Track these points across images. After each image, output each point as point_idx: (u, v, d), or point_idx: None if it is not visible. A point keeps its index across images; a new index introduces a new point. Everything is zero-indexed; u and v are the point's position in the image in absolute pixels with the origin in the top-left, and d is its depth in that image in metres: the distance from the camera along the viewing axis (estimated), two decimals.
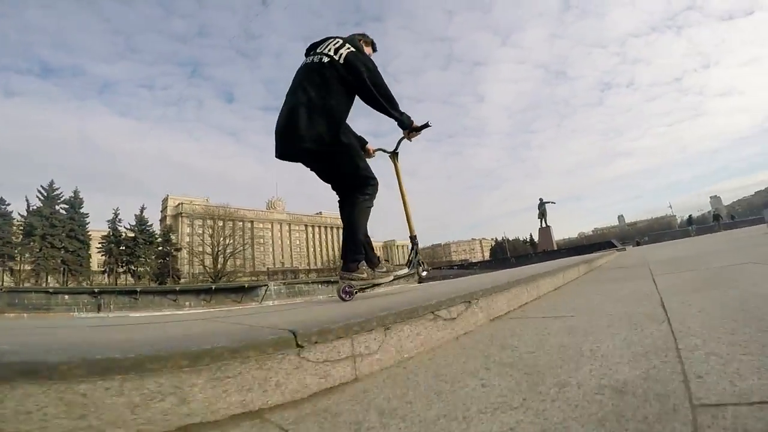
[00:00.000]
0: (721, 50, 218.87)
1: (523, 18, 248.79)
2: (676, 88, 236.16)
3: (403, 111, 2.43)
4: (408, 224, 2.81)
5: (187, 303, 22.73)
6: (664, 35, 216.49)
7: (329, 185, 2.57)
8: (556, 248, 35.67)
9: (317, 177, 2.53)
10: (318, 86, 2.23)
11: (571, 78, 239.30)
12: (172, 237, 60.36)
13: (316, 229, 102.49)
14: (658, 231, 54.85)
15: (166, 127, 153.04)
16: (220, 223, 60.64)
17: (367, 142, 2.80)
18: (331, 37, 2.39)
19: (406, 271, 2.67)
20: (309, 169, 2.49)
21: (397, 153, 2.86)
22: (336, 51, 2.28)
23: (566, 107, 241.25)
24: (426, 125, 2.58)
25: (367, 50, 2.59)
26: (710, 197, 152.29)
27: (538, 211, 38.57)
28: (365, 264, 2.42)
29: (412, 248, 2.74)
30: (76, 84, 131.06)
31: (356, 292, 2.33)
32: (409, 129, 2.54)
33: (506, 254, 64.81)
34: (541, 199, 38.57)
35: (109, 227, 51.13)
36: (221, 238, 57.21)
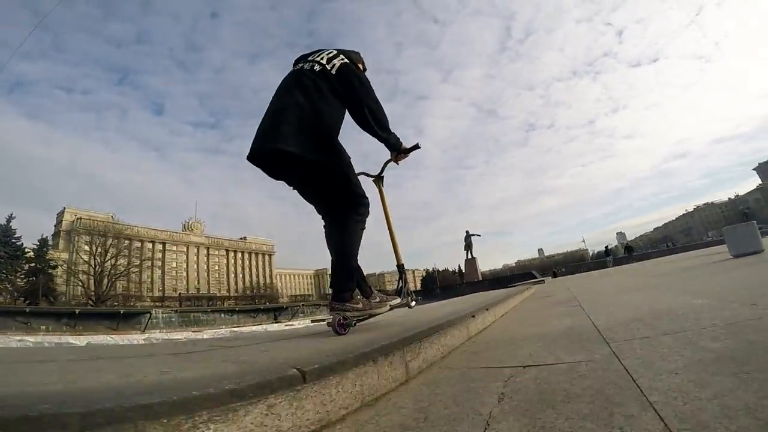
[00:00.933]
0: (630, 95, 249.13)
1: (465, 56, 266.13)
2: (589, 131, 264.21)
3: (392, 131, 2.29)
4: (395, 253, 2.70)
5: (42, 327, 18.30)
6: (583, 80, 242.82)
7: (312, 205, 2.34)
8: (480, 278, 35.37)
9: (299, 194, 2.30)
10: (309, 90, 2.06)
11: (502, 117, 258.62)
12: (54, 253, 51.95)
13: (239, 255, 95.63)
14: (573, 263, 58.13)
15: (80, 135, 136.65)
16: (110, 241, 54.06)
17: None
18: (323, 48, 2.30)
19: (398, 300, 2.48)
20: (287, 183, 2.23)
21: (383, 177, 2.70)
22: (329, 61, 2.17)
23: (495, 145, 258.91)
24: (416, 146, 2.46)
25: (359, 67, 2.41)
26: (616, 233, 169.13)
27: (464, 243, 38.42)
28: (359, 294, 2.23)
29: (401, 277, 2.63)
30: None
31: (354, 324, 2.16)
32: (398, 151, 2.39)
33: (436, 284, 64.85)
34: (467, 232, 38.42)
35: None
36: (107, 258, 50.66)
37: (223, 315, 24.75)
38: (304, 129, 1.96)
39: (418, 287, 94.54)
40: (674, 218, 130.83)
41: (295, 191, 2.28)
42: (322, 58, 2.17)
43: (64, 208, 68.73)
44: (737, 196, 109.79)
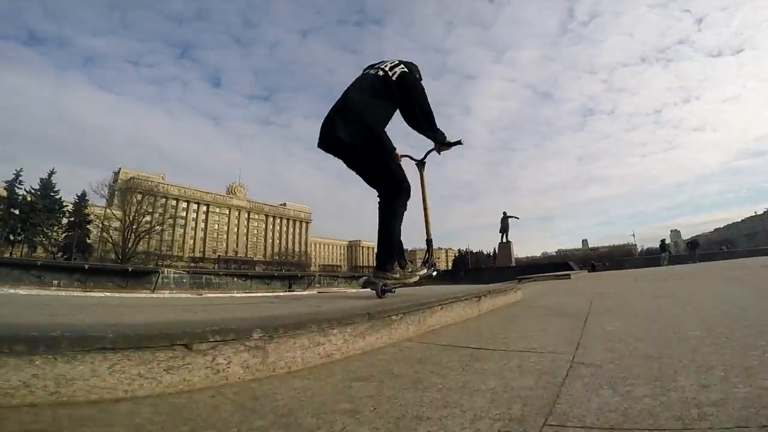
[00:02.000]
0: (704, 86, 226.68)
1: (521, 37, 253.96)
2: (655, 120, 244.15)
3: (438, 129, 2.65)
4: (426, 229, 2.95)
5: (54, 282, 18.90)
6: (652, 67, 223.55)
7: (370, 186, 2.63)
8: (514, 264, 33.84)
9: (361, 179, 2.61)
10: (368, 90, 2.43)
11: (557, 100, 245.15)
12: (91, 208, 54.01)
13: (277, 220, 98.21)
14: (619, 257, 54.37)
15: (146, 105, 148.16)
16: (138, 197, 55.43)
17: (395, 148, 2.66)
18: (388, 60, 2.62)
19: (425, 271, 2.78)
20: (348, 165, 2.57)
21: (424, 162, 2.97)
22: (391, 69, 2.50)
23: (548, 128, 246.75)
24: (458, 142, 2.80)
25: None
26: (671, 230, 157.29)
27: (500, 225, 36.69)
28: (397, 265, 2.55)
29: (428, 250, 2.87)
30: (60, 54, 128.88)
31: (393, 290, 2.55)
32: (441, 143, 2.75)
33: (465, 266, 64.02)
34: (504, 213, 36.61)
35: (5, 188, 45.07)
36: (136, 215, 51.81)
37: (236, 279, 24.55)
38: (356, 121, 2.32)
39: (450, 267, 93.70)
40: (740, 220, 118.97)
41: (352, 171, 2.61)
42: (386, 66, 2.51)
43: (120, 167, 72.79)
44: None
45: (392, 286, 2.48)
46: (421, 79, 2.68)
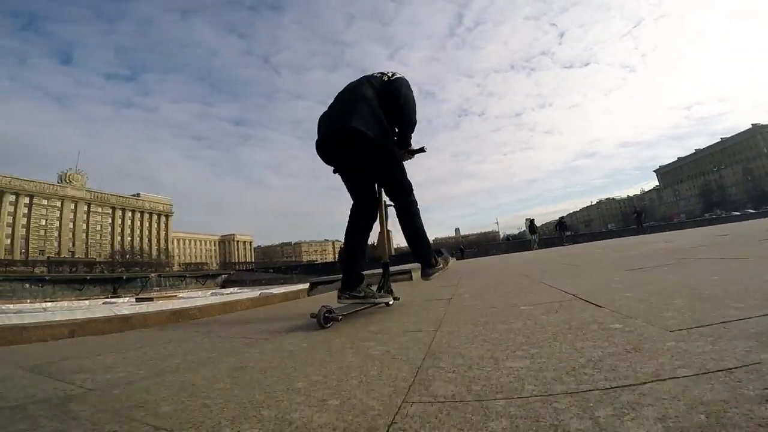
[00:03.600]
0: (556, 93, 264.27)
1: (414, 37, 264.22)
2: (515, 122, 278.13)
3: (410, 135, 2.46)
4: (382, 249, 2.71)
5: None
6: (518, 74, 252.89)
7: (354, 194, 2.32)
8: (393, 254, 32.76)
9: (346, 182, 2.33)
10: (376, 88, 2.27)
11: (439, 100, 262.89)
12: None
13: (128, 214, 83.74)
14: (485, 243, 58.47)
15: None
16: None
17: None
18: (385, 71, 2.49)
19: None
20: (341, 168, 2.31)
21: None
22: (391, 74, 2.38)
23: (428, 125, 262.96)
24: (421, 149, 2.61)
25: None
26: (525, 218, 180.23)
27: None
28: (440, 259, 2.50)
29: (384, 273, 2.57)
30: None
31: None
32: (406, 150, 2.50)
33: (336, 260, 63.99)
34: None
35: None
36: None
37: (27, 285, 18.20)
38: (373, 117, 2.13)
39: (335, 259, 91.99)
40: (578, 209, 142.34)
41: (335, 177, 2.37)
42: (386, 71, 2.42)
43: None
44: (635, 195, 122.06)
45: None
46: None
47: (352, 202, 2.27)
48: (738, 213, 42.27)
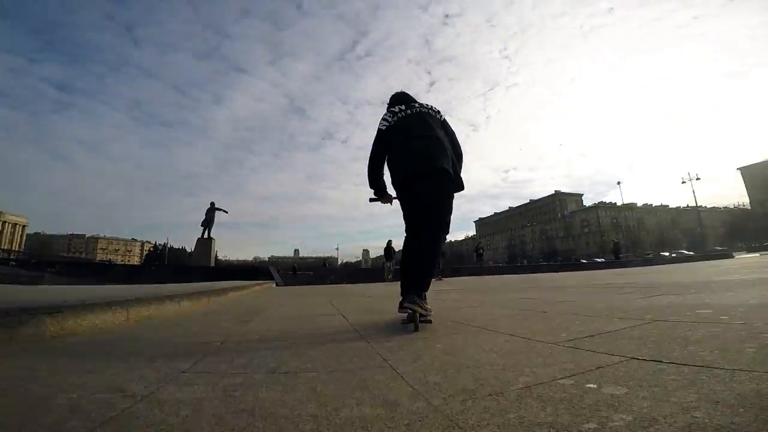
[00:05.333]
0: None
1: (304, 50, 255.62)
2: None
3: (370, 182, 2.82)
4: None
5: None
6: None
7: (415, 220, 2.62)
8: (213, 265, 27.47)
9: (411, 208, 2.62)
10: (445, 133, 2.72)
11: (308, 118, 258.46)
12: None
13: None
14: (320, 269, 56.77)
15: None
16: None
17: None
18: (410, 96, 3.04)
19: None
20: (426, 198, 2.52)
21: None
22: (439, 114, 2.86)
23: (290, 141, 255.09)
24: (376, 199, 2.92)
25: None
26: (363, 249, 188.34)
27: (204, 217, 29.74)
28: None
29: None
30: None
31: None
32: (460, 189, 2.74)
33: (165, 262, 55.31)
34: (212, 204, 30.00)
35: None
36: None
37: None
38: (450, 159, 2.58)
39: (142, 261, 77.30)
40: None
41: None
42: (432, 107, 2.85)
43: None
44: (459, 240, 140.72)
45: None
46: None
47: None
48: (545, 263, 49.06)
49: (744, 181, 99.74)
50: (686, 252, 52.85)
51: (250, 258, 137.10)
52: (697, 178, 40.59)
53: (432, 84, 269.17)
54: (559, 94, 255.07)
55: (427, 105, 2.82)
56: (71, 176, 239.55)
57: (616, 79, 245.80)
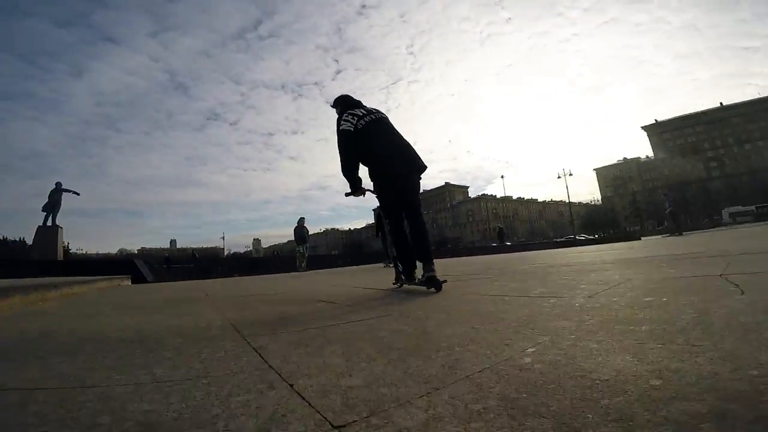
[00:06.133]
0: (312, 124, 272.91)
1: (195, 24, 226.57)
2: (265, 141, 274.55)
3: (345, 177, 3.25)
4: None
5: None
6: (285, 96, 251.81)
7: (397, 204, 3.33)
8: (61, 258, 21.91)
9: (399, 195, 3.30)
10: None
11: (190, 96, 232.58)
12: None
13: None
14: (206, 260, 50.88)
15: None
16: None
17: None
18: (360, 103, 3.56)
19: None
20: (400, 186, 3.26)
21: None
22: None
23: (168, 119, 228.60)
24: (351, 194, 3.31)
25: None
26: (254, 239, 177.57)
27: (47, 201, 23.55)
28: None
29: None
30: None
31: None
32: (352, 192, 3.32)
33: None
34: (58, 184, 23.85)
35: None
36: None
37: None
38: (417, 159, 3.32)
39: None
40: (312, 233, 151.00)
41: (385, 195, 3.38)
42: (381, 112, 3.44)
43: None
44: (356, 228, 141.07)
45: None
46: (341, 120, 3.30)
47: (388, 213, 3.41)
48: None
49: (597, 180, 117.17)
50: (587, 236, 51.96)
51: (114, 251, 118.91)
52: (570, 174, 46.42)
53: (338, 72, 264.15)
54: (452, 93, 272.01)
55: (377, 110, 3.39)
56: None
57: (501, 85, 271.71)
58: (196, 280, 11.10)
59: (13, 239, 49.87)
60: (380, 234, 9.47)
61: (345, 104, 3.47)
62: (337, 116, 3.37)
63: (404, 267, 3.32)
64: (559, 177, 47.22)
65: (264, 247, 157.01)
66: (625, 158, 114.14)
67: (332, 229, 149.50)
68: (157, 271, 17.76)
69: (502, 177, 63.19)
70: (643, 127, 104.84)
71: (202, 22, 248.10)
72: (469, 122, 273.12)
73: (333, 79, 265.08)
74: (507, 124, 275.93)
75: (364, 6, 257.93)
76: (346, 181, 3.20)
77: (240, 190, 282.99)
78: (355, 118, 3.19)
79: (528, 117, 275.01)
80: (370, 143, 3.14)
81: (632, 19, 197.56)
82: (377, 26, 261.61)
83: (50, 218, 22.90)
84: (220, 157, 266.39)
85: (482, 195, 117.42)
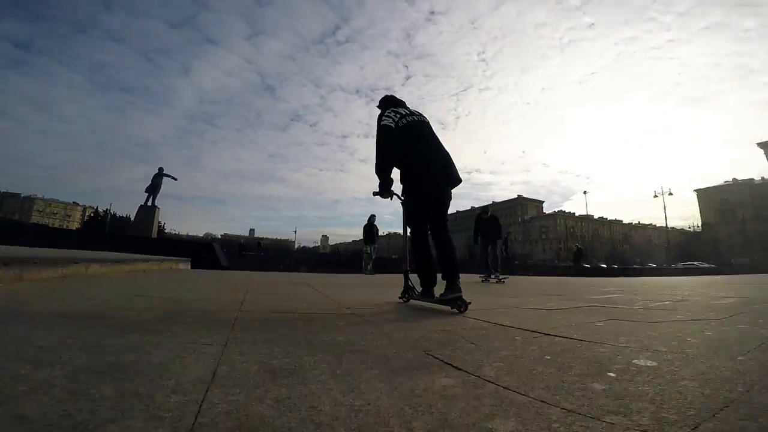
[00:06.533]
0: None
1: (282, 28, 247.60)
2: (340, 143, 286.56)
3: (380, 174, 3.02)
4: (407, 258, 3.30)
5: None
6: (360, 99, 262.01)
7: (430, 216, 3.12)
8: (155, 236, 24.37)
9: (435, 207, 3.08)
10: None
11: (277, 97, 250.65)
12: None
13: None
14: (278, 251, 53.71)
15: None
16: None
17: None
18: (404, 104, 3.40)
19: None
20: (439, 200, 3.08)
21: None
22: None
23: (257, 118, 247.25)
24: (379, 194, 3.08)
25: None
26: (322, 235, 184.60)
27: (150, 183, 26.33)
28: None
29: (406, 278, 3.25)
30: None
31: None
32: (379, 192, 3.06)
33: (105, 229, 50.57)
34: (160, 169, 26.57)
35: None
36: None
37: None
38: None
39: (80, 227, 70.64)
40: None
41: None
42: (424, 116, 3.28)
43: None
44: None
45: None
46: (382, 116, 3.12)
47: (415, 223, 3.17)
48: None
49: (699, 202, 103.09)
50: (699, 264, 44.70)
51: (201, 233, 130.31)
52: (670, 194, 41.35)
53: (408, 78, 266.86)
54: (528, 102, 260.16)
55: (420, 113, 3.26)
56: (12, 134, 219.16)
57: (583, 94, 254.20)
58: (255, 272, 11.09)
59: (120, 215, 56.88)
60: (477, 240, 8.96)
61: (389, 103, 3.36)
62: (379, 113, 3.20)
63: (425, 281, 3.09)
64: (655, 196, 42.49)
65: (330, 244, 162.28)
66: (735, 179, 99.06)
67: (395, 233, 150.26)
68: (233, 257, 18.90)
69: (585, 193, 58.82)
70: (759, 144, 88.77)
71: (287, 26, 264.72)
72: (546, 133, 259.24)
73: (402, 85, 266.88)
74: (589, 135, 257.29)
75: (432, 12, 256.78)
76: (378, 179, 3.01)
77: (314, 189, 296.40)
78: (398, 116, 3.05)
79: (613, 129, 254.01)
80: (411, 143, 2.98)
81: (739, 24, 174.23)
82: (446, 32, 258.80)
83: (150, 199, 25.63)
84: (299, 156, 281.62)
85: (559, 211, 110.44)
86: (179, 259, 9.26)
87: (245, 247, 26.18)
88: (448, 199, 3.10)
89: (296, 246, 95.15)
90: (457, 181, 3.09)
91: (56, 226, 79.20)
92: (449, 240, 3.02)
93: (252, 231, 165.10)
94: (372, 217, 12.71)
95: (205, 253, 13.81)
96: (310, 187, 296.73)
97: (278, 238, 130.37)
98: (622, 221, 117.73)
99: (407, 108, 3.25)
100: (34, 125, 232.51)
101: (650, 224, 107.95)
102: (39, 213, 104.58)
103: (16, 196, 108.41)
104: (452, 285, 2.75)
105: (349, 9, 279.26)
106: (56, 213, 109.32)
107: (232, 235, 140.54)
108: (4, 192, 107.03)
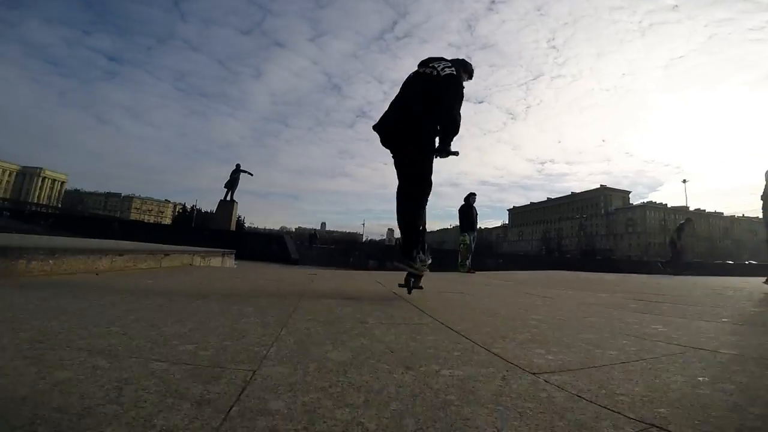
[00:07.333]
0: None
1: (343, 28, 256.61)
2: None
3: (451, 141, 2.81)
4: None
5: None
6: None
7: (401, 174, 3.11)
8: (233, 229, 25.78)
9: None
10: (421, 96, 2.81)
11: (343, 95, 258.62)
12: None
13: None
14: (345, 242, 54.77)
15: None
16: None
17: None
18: (441, 58, 2.99)
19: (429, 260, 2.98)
20: (394, 152, 3.11)
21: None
22: (442, 69, 2.81)
23: (326, 116, 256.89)
24: (455, 153, 2.87)
25: (465, 77, 3.20)
26: (387, 228, 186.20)
27: (228, 179, 27.80)
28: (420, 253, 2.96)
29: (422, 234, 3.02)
30: None
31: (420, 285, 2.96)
32: (445, 152, 2.82)
33: (192, 224, 55.59)
34: (237, 165, 27.94)
35: None
36: None
37: None
38: (414, 124, 2.86)
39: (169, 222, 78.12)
40: (435, 230, 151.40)
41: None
42: (439, 66, 2.83)
43: None
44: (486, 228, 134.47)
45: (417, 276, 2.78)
46: (471, 77, 3.32)
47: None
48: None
49: None
50: None
51: (276, 227, 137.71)
52: None
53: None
54: (606, 89, 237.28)
55: (438, 65, 2.87)
56: (115, 140, 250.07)
57: (669, 79, 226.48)
58: (319, 270, 10.27)
59: (205, 210, 62.23)
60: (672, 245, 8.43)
61: (459, 64, 3.19)
62: (456, 75, 2.91)
63: (408, 243, 2.89)
64: None
65: (396, 237, 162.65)
66: None
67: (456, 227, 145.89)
68: (303, 249, 19.10)
69: (685, 181, 52.02)
70: None
71: (348, 25, 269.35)
72: (628, 120, 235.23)
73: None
74: (678, 123, 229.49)
75: (493, 2, 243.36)
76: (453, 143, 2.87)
77: (379, 183, 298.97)
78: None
79: (706, 115, 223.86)
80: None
81: None
82: (510, 21, 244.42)
83: (229, 194, 27.02)
84: (365, 151, 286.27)
85: (648, 203, 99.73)
86: (227, 251, 7.60)
87: (315, 236, 26.59)
88: (404, 157, 2.97)
89: (364, 239, 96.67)
90: (393, 132, 2.93)
91: (151, 221, 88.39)
92: (408, 203, 2.97)
93: (323, 224, 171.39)
94: (471, 197, 9.45)
95: (276, 245, 13.96)
96: (375, 182, 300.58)
97: (348, 230, 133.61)
98: (722, 213, 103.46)
99: (440, 61, 2.96)
100: (131, 131, 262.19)
101: (756, 217, 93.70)
102: (137, 210, 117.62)
103: (117, 195, 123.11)
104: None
105: (406, 4, 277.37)
106: (151, 210, 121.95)
107: (305, 228, 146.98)
108: (107, 192, 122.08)
